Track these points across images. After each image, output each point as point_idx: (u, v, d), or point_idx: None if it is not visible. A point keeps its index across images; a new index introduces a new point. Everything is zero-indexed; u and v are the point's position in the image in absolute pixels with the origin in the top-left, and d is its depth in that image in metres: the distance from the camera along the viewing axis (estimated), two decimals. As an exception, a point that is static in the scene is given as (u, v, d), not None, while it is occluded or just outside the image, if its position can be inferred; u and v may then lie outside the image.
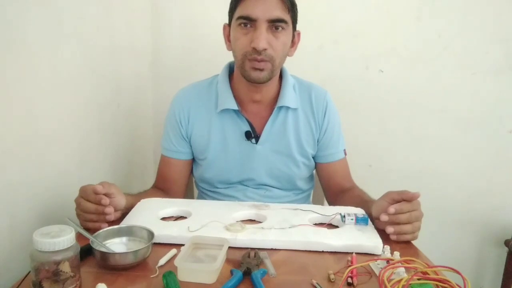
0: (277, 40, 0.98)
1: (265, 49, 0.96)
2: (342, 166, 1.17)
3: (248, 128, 1.08)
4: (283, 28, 0.98)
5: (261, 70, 0.99)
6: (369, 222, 0.88)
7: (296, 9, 1.02)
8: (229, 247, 0.75)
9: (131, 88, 1.39)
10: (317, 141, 1.13)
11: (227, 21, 1.06)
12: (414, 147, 1.57)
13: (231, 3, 1.02)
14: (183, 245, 0.74)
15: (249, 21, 0.97)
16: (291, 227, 0.85)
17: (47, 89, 0.91)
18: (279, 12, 0.96)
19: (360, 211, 0.93)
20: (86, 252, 0.72)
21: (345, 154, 1.17)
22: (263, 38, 0.95)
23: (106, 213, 0.85)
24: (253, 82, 1.02)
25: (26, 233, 0.81)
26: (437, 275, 0.66)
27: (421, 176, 1.57)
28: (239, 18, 0.98)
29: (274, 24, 0.97)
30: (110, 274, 0.70)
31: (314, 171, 1.22)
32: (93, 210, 0.85)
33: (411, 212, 0.83)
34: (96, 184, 0.86)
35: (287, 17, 0.98)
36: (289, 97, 1.08)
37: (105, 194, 0.85)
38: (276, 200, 1.10)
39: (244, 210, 0.93)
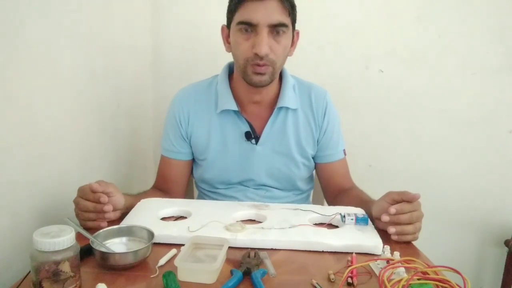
0: (278, 44, 0.98)
1: (267, 55, 0.96)
2: (341, 166, 1.17)
3: (248, 129, 1.08)
4: (284, 32, 0.98)
5: (263, 74, 0.99)
6: (369, 222, 0.88)
7: (296, 10, 1.02)
8: (229, 247, 0.75)
9: (131, 88, 1.39)
10: (317, 142, 1.13)
11: (225, 22, 1.05)
12: (414, 147, 1.57)
13: (230, 6, 1.01)
14: (183, 245, 0.75)
15: (249, 26, 0.96)
16: (291, 227, 0.85)
17: (47, 89, 0.91)
18: (279, 16, 0.95)
19: (360, 211, 0.93)
20: (86, 252, 0.72)
21: (345, 154, 1.17)
22: (265, 44, 0.95)
23: (105, 211, 0.85)
24: (254, 86, 1.02)
25: (26, 233, 0.81)
26: (437, 275, 0.66)
27: (421, 176, 1.57)
28: (240, 23, 0.97)
29: (275, 28, 0.96)
30: (110, 274, 0.70)
31: (314, 172, 1.22)
32: (92, 209, 0.85)
33: (412, 212, 0.83)
34: (93, 182, 0.86)
35: (287, 20, 0.97)
36: (289, 97, 1.08)
37: (103, 193, 0.85)
38: (276, 200, 1.10)
39: (244, 210, 0.93)
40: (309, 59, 1.46)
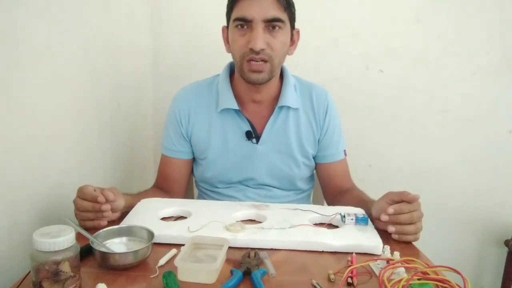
0: (274, 40, 0.98)
1: (262, 49, 0.96)
2: (342, 167, 1.17)
3: (248, 128, 1.08)
4: (280, 27, 0.98)
5: (260, 71, 0.99)
6: (369, 222, 0.88)
7: (293, 7, 1.02)
8: (229, 247, 0.75)
9: (131, 87, 1.39)
10: (318, 141, 1.13)
11: (225, 23, 1.06)
12: (414, 147, 1.57)
13: (228, 6, 1.02)
14: (183, 245, 0.74)
15: (245, 22, 0.97)
16: (291, 227, 0.85)
17: (47, 89, 0.91)
18: (274, 11, 0.96)
19: (360, 211, 0.93)
20: (86, 252, 0.72)
21: (345, 155, 1.17)
22: (260, 39, 0.95)
23: (103, 210, 0.85)
24: (252, 84, 1.02)
25: (26, 233, 0.81)
26: (437, 275, 0.66)
27: (421, 176, 1.57)
28: (235, 20, 0.98)
29: (271, 23, 0.96)
30: (110, 274, 0.69)
31: (315, 171, 1.22)
32: (90, 208, 0.85)
33: (412, 212, 0.83)
34: (95, 187, 0.86)
35: (283, 16, 0.97)
36: (290, 97, 1.08)
37: (103, 194, 0.85)
38: (276, 200, 1.10)
39: (244, 210, 0.93)
40: (309, 59, 1.46)
